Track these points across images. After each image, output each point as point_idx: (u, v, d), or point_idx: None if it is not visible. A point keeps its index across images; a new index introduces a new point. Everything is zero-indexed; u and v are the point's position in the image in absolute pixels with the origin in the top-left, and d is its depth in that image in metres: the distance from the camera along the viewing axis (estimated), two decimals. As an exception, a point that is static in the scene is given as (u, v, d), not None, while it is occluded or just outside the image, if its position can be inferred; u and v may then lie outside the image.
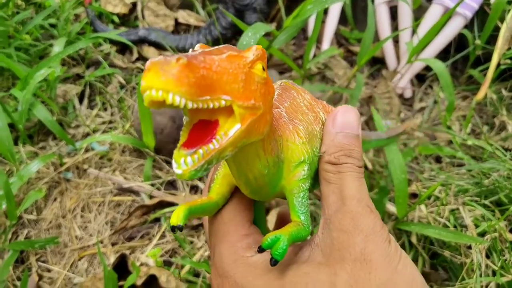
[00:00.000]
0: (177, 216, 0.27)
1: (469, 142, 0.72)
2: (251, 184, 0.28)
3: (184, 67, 0.18)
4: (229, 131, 0.21)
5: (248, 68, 0.21)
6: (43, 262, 0.62)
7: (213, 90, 0.19)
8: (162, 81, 0.18)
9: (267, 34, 0.78)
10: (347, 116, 0.32)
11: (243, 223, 0.32)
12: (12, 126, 0.74)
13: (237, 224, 0.32)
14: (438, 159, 0.74)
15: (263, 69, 0.22)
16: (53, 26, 0.97)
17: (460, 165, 0.71)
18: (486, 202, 0.60)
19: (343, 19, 0.98)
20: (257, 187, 0.28)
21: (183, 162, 0.20)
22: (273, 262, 0.26)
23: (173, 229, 0.27)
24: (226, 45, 0.23)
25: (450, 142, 0.76)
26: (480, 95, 0.77)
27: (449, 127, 0.79)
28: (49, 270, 0.61)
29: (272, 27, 0.93)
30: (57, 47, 0.84)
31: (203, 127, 0.22)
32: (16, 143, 0.75)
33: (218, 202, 0.32)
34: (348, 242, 0.29)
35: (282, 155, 0.28)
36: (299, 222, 0.28)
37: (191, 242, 0.63)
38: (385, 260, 0.28)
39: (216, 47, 0.22)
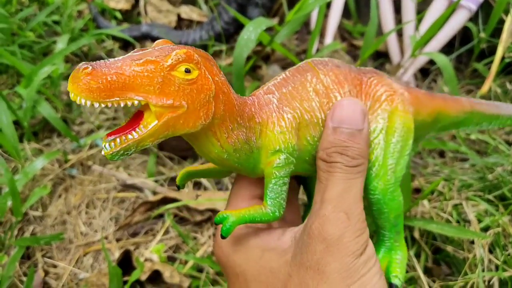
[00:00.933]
0: (178, 177, 0.36)
1: (473, 137, 0.71)
2: (218, 163, 0.30)
3: (87, 75, 0.22)
4: (149, 125, 0.24)
5: (166, 72, 0.24)
6: (49, 258, 0.62)
7: (124, 91, 0.23)
8: (72, 87, 0.22)
9: (269, 29, 0.77)
10: (346, 110, 0.30)
11: (244, 198, 0.34)
12: (17, 123, 0.75)
13: (238, 198, 0.34)
14: (441, 154, 0.74)
15: (188, 71, 0.25)
16: (56, 23, 0.97)
17: (464, 160, 0.71)
18: (490, 197, 0.60)
19: (346, 13, 0.97)
20: (228, 166, 0.30)
21: (104, 147, 0.24)
22: (221, 236, 0.29)
23: (177, 186, 0.36)
24: (160, 47, 0.26)
25: (454, 137, 0.76)
26: (484, 88, 0.76)
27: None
28: (55, 266, 0.61)
29: (274, 21, 0.93)
30: (61, 44, 0.84)
31: (139, 116, 0.25)
32: (21, 140, 0.75)
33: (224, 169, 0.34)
34: (309, 248, 0.28)
35: (260, 141, 0.30)
36: (264, 206, 0.30)
37: (195, 238, 0.63)
38: (340, 275, 0.27)
39: (151, 49, 0.25)
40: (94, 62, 0.23)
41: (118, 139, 0.24)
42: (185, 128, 0.25)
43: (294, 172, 0.32)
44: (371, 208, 0.33)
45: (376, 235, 0.35)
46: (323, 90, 0.32)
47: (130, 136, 0.24)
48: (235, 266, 0.31)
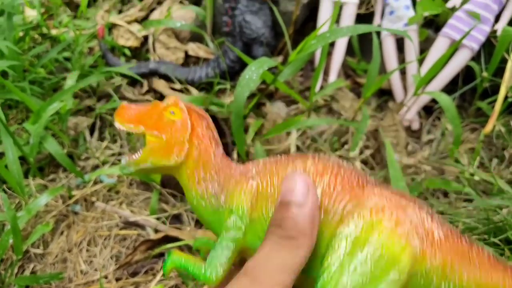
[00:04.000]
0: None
1: (476, 177, 0.70)
2: (194, 209, 0.34)
3: (121, 109, 0.31)
4: (143, 150, 0.31)
5: (160, 111, 0.32)
6: (48, 296, 0.62)
7: (137, 122, 0.31)
8: (115, 114, 0.31)
9: (274, 67, 0.79)
10: (288, 183, 0.29)
11: None
12: (23, 159, 0.76)
13: None
14: (445, 194, 0.73)
15: (173, 112, 0.32)
16: (67, 59, 1.00)
17: (468, 200, 0.70)
18: (495, 240, 0.59)
19: (350, 51, 0.98)
20: (200, 216, 0.33)
21: (120, 161, 0.33)
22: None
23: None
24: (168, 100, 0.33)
25: (457, 176, 0.75)
26: (488, 127, 0.76)
27: (457, 161, 0.78)
28: (53, 305, 0.61)
29: (278, 60, 0.95)
30: (70, 80, 0.87)
31: None
32: (26, 176, 0.76)
33: None
34: None
35: (227, 204, 0.32)
36: (204, 264, 0.30)
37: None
38: None
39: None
40: (130, 103, 0.32)
41: (127, 157, 0.32)
42: (163, 159, 0.31)
43: (247, 246, 0.31)
44: None
45: None
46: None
47: (133, 157, 0.32)
48: None
